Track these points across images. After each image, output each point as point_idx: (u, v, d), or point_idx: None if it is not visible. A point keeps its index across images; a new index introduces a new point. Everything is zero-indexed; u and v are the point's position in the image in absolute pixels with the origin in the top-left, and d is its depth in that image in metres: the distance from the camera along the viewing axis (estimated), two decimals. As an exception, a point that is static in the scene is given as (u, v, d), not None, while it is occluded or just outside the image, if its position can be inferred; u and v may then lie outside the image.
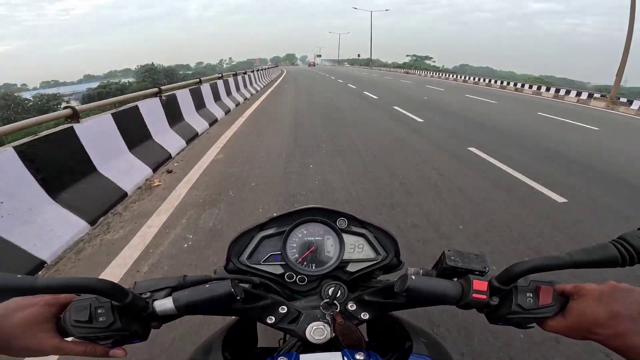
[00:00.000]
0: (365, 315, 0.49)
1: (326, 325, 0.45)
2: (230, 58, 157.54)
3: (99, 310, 0.36)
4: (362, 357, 0.40)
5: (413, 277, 0.40)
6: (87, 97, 55.36)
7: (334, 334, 0.44)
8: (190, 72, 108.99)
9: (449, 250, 0.44)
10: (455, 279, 0.42)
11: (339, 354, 0.41)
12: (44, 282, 0.30)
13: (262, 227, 0.57)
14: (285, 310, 0.47)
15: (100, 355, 0.37)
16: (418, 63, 74.98)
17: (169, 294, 0.39)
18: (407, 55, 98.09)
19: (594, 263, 0.34)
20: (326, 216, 0.56)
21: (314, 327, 0.46)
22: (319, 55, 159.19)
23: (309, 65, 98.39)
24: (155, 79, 60.77)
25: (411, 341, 0.49)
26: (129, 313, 0.36)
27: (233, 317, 0.56)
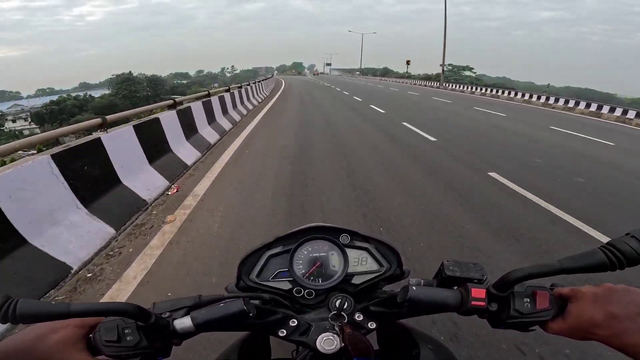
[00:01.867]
0: (372, 325, 0.55)
1: (335, 335, 0.51)
2: (233, 66, 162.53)
3: (126, 331, 0.43)
4: None
5: (414, 287, 0.47)
6: (36, 116, 54.63)
7: (343, 344, 0.50)
8: (185, 82, 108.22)
9: (448, 261, 0.50)
10: (455, 288, 0.48)
11: None
12: (78, 308, 0.36)
13: (268, 246, 0.64)
14: (296, 323, 0.54)
15: None
16: (453, 74, 74.91)
17: (187, 313, 0.47)
18: (442, 65, 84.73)
19: (583, 268, 0.39)
20: (329, 233, 0.64)
21: (324, 338, 0.51)
22: (329, 64, 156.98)
23: (313, 75, 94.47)
24: (134, 90, 61.03)
25: (419, 349, 0.54)
26: (152, 332, 0.44)
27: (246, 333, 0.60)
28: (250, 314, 0.47)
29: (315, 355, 0.54)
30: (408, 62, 33.22)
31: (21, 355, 0.38)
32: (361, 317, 0.56)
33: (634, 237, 0.38)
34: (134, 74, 65.95)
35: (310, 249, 0.64)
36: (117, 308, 0.40)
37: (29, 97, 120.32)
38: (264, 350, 0.69)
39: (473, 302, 0.45)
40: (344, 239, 0.64)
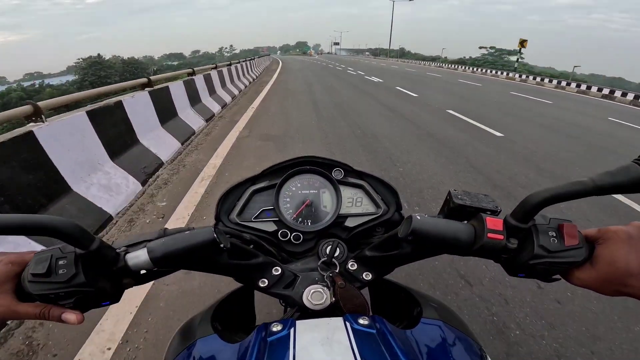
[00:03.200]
0: (367, 276, 0.52)
1: (325, 288, 0.49)
2: (231, 46, 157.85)
3: (60, 262, 0.36)
4: (366, 322, 0.42)
5: (418, 217, 0.42)
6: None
7: (334, 299, 0.47)
8: (176, 63, 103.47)
9: (455, 190, 0.46)
10: (465, 222, 0.43)
11: (340, 319, 0.43)
12: None
13: (253, 180, 0.61)
14: (280, 272, 0.51)
15: (53, 318, 0.37)
16: (495, 58, 70.44)
17: (145, 246, 0.40)
18: (482, 47, 78.69)
19: (620, 186, 0.34)
20: (321, 167, 0.62)
21: (312, 291, 0.48)
22: (337, 44, 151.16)
23: (318, 55, 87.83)
24: (104, 76, 58.00)
25: (420, 307, 0.52)
26: (96, 265, 0.37)
27: (229, 290, 0.60)
28: (222, 246, 0.41)
29: (301, 311, 0.50)
30: (523, 44, 25.97)
31: None
32: (355, 266, 0.52)
33: None
34: (107, 57, 64.63)
35: (299, 184, 0.62)
36: (43, 222, 0.32)
37: (15, 82, 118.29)
38: (247, 315, 0.65)
39: (490, 235, 0.39)
40: (337, 174, 0.62)
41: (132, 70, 61.99)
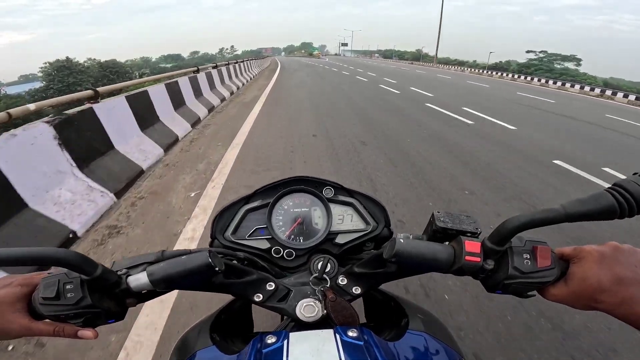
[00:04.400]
0: (357, 290, 0.59)
1: (317, 302, 0.55)
2: (232, 46, 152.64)
3: (68, 286, 0.43)
4: (355, 334, 0.48)
5: (402, 240, 0.48)
6: None
7: (325, 311, 0.53)
8: (169, 66, 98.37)
9: (439, 212, 0.53)
10: (447, 243, 0.51)
11: (330, 331, 0.48)
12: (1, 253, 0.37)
13: (246, 200, 0.68)
14: (273, 287, 0.58)
15: (68, 335, 0.45)
16: (545, 64, 65.85)
17: (145, 269, 0.48)
18: (530, 52, 73.47)
19: (589, 214, 0.38)
20: (312, 186, 0.69)
21: (304, 304, 0.54)
22: (345, 44, 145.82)
23: (319, 57, 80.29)
24: (73, 82, 55.51)
25: (407, 318, 0.58)
26: (101, 289, 0.44)
27: (227, 301, 0.68)
28: (217, 269, 0.48)
29: (295, 323, 0.57)
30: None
31: None
32: (345, 281, 0.59)
33: None
34: (81, 60, 60.72)
35: (291, 203, 0.69)
36: (51, 255, 0.38)
37: (8, 84, 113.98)
38: (246, 322, 0.73)
39: (467, 257, 0.45)
40: (328, 192, 0.69)
41: (108, 75, 58.54)
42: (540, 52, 69.40)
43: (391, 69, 31.12)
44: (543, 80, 25.72)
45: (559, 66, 66.26)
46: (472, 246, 0.45)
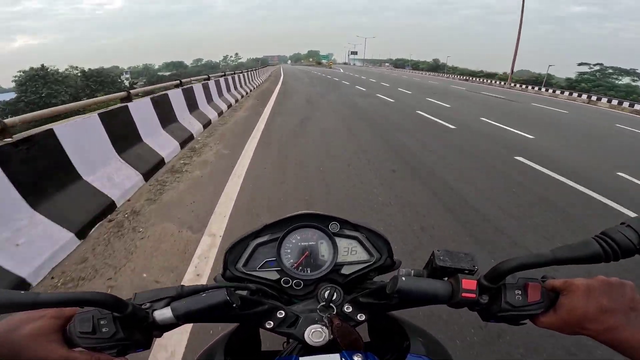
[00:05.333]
0: (361, 317, 0.65)
1: (324, 327, 0.61)
2: (237, 54, 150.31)
3: (102, 322, 0.49)
4: (359, 359, 0.54)
5: (403, 278, 0.54)
6: None
7: (332, 336, 0.59)
8: (167, 74, 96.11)
9: (439, 251, 0.58)
10: (446, 279, 0.57)
11: (337, 355, 0.55)
12: (46, 298, 0.41)
13: (256, 235, 0.74)
14: (283, 314, 0.64)
15: None
16: (599, 79, 60.03)
17: (168, 304, 0.54)
18: (583, 64, 65.28)
19: (577, 259, 0.44)
20: (318, 221, 0.74)
21: (312, 330, 0.60)
22: (355, 53, 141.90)
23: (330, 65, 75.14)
24: (48, 95, 45.86)
25: (409, 340, 0.62)
26: (131, 323, 0.51)
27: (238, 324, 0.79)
28: (234, 305, 0.55)
29: (303, 347, 0.65)
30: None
31: None
32: (350, 309, 0.66)
33: (629, 227, 0.43)
34: (61, 69, 56.96)
35: (298, 237, 0.75)
36: (89, 298, 0.45)
37: (3, 91, 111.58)
38: (254, 343, 0.80)
39: (463, 294, 0.52)
40: (334, 227, 0.74)
41: (91, 86, 53.64)
42: (595, 64, 61.26)
43: (431, 84, 27.82)
44: (615, 102, 22.43)
45: (619, 81, 59.76)
46: (468, 284, 0.51)
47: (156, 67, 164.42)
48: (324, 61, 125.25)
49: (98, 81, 52.86)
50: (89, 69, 55.57)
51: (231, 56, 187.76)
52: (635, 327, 0.41)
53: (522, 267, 0.46)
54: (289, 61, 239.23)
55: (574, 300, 0.45)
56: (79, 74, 55.21)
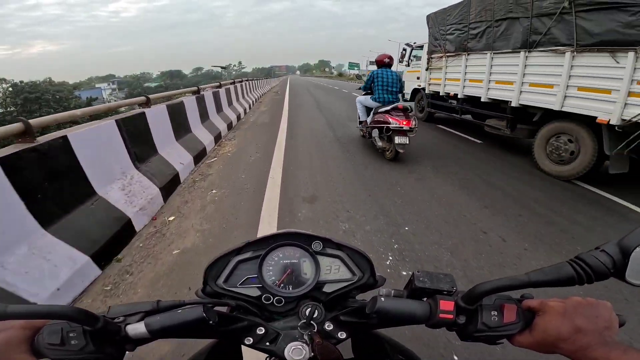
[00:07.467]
0: (342, 335, 0.68)
1: (304, 345, 0.63)
2: (240, 62, 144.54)
3: (71, 334, 0.50)
4: None
5: (382, 299, 0.58)
6: None
7: (312, 354, 0.61)
8: (153, 86, 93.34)
9: (419, 272, 0.61)
10: (425, 299, 0.60)
11: None
12: (14, 310, 0.42)
13: (237, 251, 0.76)
14: (263, 331, 0.66)
15: None
16: None
17: (142, 319, 0.55)
18: None
19: (551, 282, 0.47)
20: (301, 240, 0.76)
21: (293, 348, 0.62)
22: (374, 63, 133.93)
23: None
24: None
25: (391, 359, 0.66)
26: (102, 337, 0.52)
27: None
28: (211, 322, 0.56)
29: None
30: None
31: None
32: (331, 327, 0.68)
33: (603, 252, 0.45)
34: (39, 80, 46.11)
35: (281, 255, 0.77)
36: (58, 311, 0.46)
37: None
38: (235, 358, 0.82)
39: (441, 315, 0.54)
40: (316, 246, 0.76)
41: (58, 100, 41.64)
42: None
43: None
44: None
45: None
46: (446, 305, 0.54)
47: (154, 75, 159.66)
48: (353, 71, 70.18)
49: (30, 98, 39.07)
50: (21, 82, 42.54)
51: (234, 65, 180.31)
52: (609, 346, 0.44)
53: (498, 289, 0.50)
54: (298, 72, 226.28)
55: (549, 321, 0.48)
56: (9, 88, 42.70)
